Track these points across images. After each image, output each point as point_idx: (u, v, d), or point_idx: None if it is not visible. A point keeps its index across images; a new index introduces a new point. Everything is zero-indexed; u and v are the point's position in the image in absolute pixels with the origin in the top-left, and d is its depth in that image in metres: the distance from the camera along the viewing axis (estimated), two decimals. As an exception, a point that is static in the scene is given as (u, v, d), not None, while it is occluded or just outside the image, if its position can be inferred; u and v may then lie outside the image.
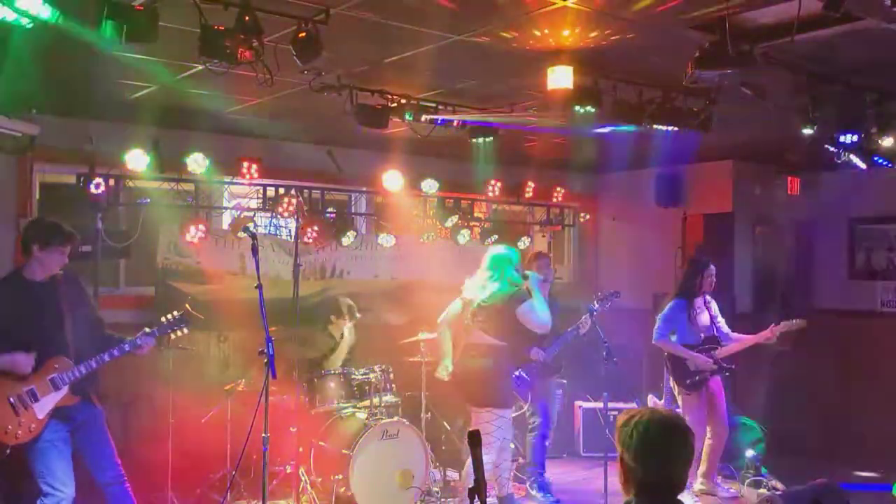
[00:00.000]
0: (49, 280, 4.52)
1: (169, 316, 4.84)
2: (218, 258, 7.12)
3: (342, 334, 6.97)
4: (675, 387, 6.58)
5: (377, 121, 5.75)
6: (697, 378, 6.44)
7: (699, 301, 6.56)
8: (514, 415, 6.65)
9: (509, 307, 5.64)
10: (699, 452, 6.54)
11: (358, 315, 7.04)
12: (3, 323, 4.35)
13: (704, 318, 6.56)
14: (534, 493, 6.59)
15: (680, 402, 6.55)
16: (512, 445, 7.07)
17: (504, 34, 4.56)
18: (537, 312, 5.61)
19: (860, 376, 8.26)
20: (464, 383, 5.78)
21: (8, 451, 4.29)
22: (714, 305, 6.68)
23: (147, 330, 4.74)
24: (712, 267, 6.57)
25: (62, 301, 4.53)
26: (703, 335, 6.52)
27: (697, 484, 6.61)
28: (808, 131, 5.37)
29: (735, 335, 6.61)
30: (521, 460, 6.97)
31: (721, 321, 6.66)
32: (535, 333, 5.98)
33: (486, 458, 5.44)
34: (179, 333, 4.89)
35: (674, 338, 6.50)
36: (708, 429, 6.52)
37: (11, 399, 4.29)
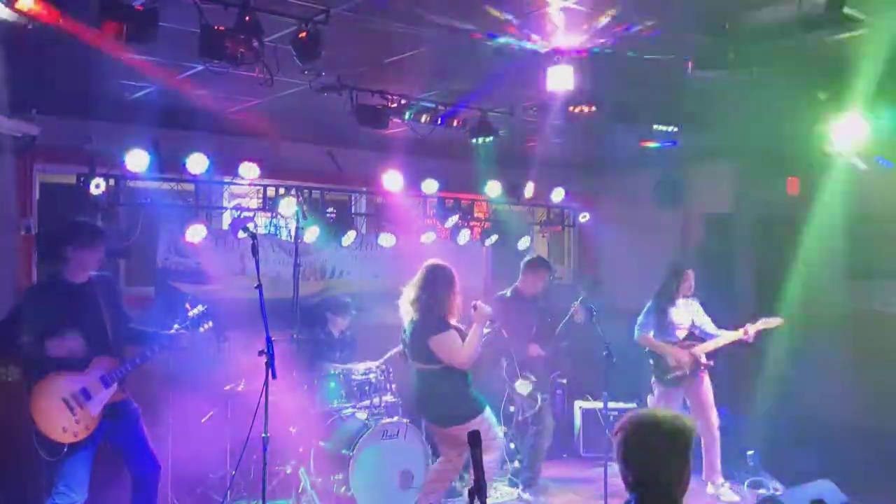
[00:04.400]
0: (85, 284, 4.67)
1: (195, 310, 5.05)
2: (218, 258, 7.11)
3: (341, 332, 6.98)
4: (658, 384, 6.70)
5: (377, 121, 5.75)
6: (678, 374, 6.57)
7: (677, 304, 6.70)
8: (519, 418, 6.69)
9: (422, 335, 5.18)
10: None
11: (354, 312, 7.03)
12: (49, 325, 4.46)
13: (682, 317, 6.71)
14: (525, 496, 6.58)
15: (659, 399, 6.66)
16: (512, 445, 7.11)
17: (504, 34, 4.56)
18: (456, 347, 5.09)
19: (860, 376, 8.25)
20: (420, 408, 5.55)
21: (66, 450, 4.43)
22: (696, 307, 6.79)
23: (177, 326, 4.96)
24: (689, 272, 6.73)
25: (100, 300, 4.69)
26: (680, 334, 6.68)
27: (708, 487, 6.65)
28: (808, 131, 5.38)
29: (723, 333, 6.69)
30: (516, 464, 6.98)
31: (706, 321, 6.78)
32: (530, 332, 5.97)
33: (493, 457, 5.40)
34: (207, 326, 5.11)
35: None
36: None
37: (67, 399, 4.44)
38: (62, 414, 4.43)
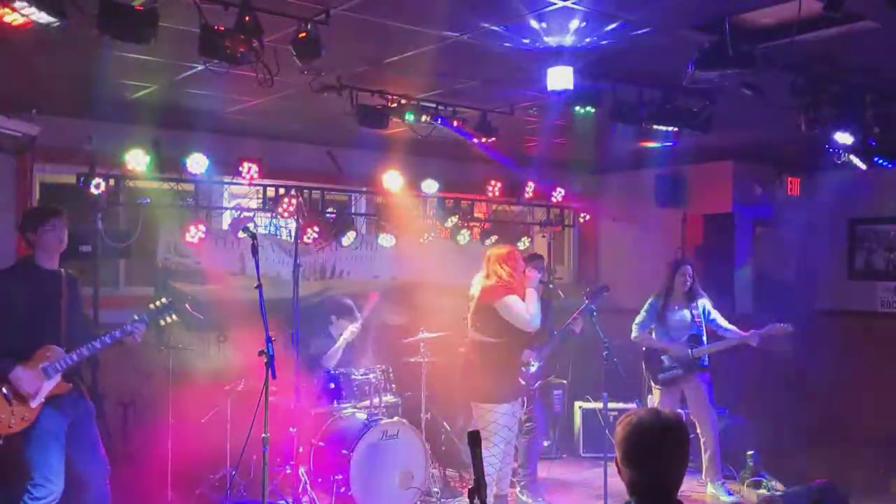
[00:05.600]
0: (55, 272, 4.63)
1: (157, 303, 4.87)
2: (218, 258, 7.11)
3: (342, 334, 6.97)
4: (650, 383, 6.74)
5: (377, 121, 5.75)
6: (671, 374, 6.59)
7: (677, 302, 6.70)
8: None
9: (490, 301, 5.60)
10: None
11: (359, 315, 7.03)
12: (7, 309, 4.41)
13: (682, 317, 6.70)
14: (524, 497, 6.57)
15: (655, 398, 6.67)
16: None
17: (504, 34, 4.56)
18: (520, 308, 5.56)
19: (860, 376, 8.26)
20: (464, 379, 5.83)
21: (0, 441, 4.34)
22: (703, 304, 6.74)
23: (136, 317, 4.75)
24: (687, 267, 6.74)
25: (63, 295, 4.62)
26: (677, 335, 6.66)
27: (708, 487, 6.66)
28: (808, 132, 5.38)
29: (734, 330, 6.67)
30: (514, 464, 6.97)
31: (716, 316, 6.75)
32: (528, 334, 5.96)
33: (492, 452, 5.53)
34: (169, 320, 4.89)
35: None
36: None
37: (4, 390, 4.35)
38: (1, 405, 4.33)
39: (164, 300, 4.89)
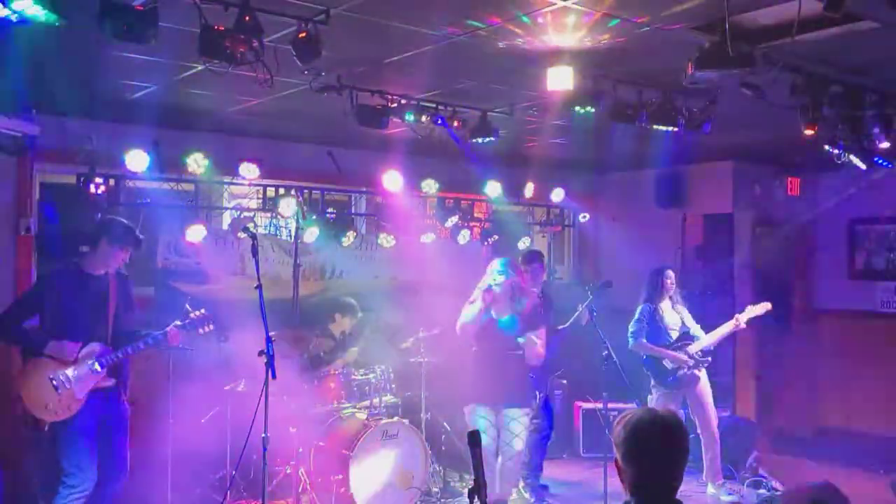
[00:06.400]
0: (104, 275, 4.89)
1: (197, 312, 5.12)
2: (218, 258, 7.11)
3: (342, 333, 6.98)
4: (658, 387, 6.73)
5: (377, 121, 5.75)
6: (679, 375, 6.61)
7: (665, 304, 6.79)
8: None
9: None
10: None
11: (360, 314, 7.04)
12: (55, 307, 4.72)
13: (673, 319, 6.78)
14: (526, 495, 6.58)
15: (658, 401, 6.67)
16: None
17: (504, 34, 4.56)
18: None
19: (860, 376, 8.26)
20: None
21: (46, 428, 4.63)
22: (684, 311, 6.85)
23: (178, 323, 5.04)
24: (669, 271, 6.85)
25: (112, 297, 4.90)
26: (673, 334, 6.72)
27: (708, 487, 6.66)
28: (808, 132, 5.38)
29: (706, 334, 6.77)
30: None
31: (692, 325, 6.84)
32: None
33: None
34: (207, 329, 5.19)
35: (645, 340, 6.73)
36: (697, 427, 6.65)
37: (53, 378, 4.62)
38: (48, 392, 4.62)
39: (203, 311, 5.17)
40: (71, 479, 4.66)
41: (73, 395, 4.67)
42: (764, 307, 6.66)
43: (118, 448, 4.91)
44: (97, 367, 4.74)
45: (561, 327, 6.70)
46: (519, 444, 5.71)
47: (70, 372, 4.68)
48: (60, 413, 4.65)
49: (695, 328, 6.81)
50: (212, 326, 5.19)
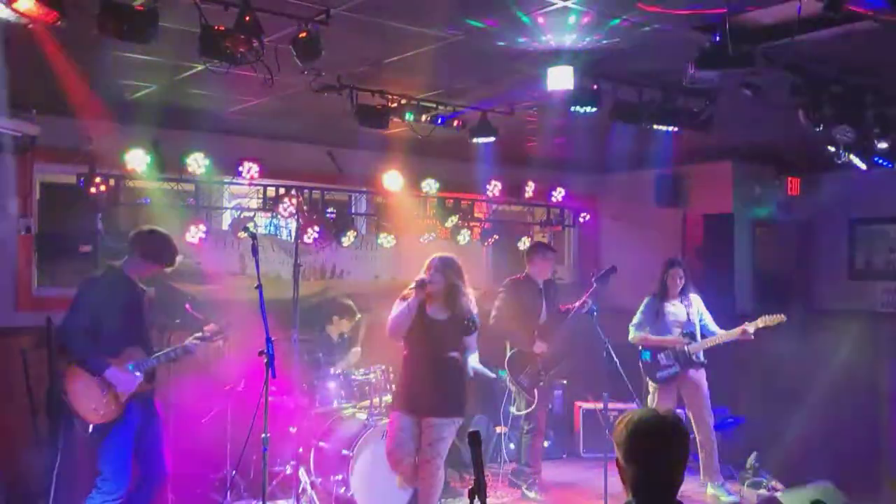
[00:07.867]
0: (139, 285, 5.05)
1: (213, 327, 5.29)
2: (218, 258, 7.11)
3: (340, 335, 6.98)
4: (648, 382, 6.75)
5: (377, 121, 5.75)
6: (669, 372, 6.63)
7: (671, 300, 6.77)
8: (518, 414, 6.71)
9: None
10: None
11: (358, 316, 7.03)
12: (107, 313, 4.80)
13: (677, 316, 6.75)
14: (531, 494, 6.59)
15: (653, 398, 6.68)
16: (512, 445, 7.12)
17: (504, 34, 4.56)
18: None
19: (860, 376, 8.25)
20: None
21: (91, 429, 4.72)
22: (697, 303, 6.81)
23: (199, 334, 5.23)
24: (677, 267, 6.81)
25: (145, 305, 5.10)
26: (675, 331, 6.71)
27: (708, 487, 6.66)
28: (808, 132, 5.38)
29: (721, 331, 6.70)
30: (514, 464, 6.98)
31: (707, 319, 6.80)
32: (537, 318, 5.99)
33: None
34: (220, 338, 5.34)
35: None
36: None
37: (99, 382, 4.72)
38: (95, 394, 4.72)
39: (213, 324, 5.34)
40: (108, 485, 4.71)
41: (117, 398, 4.77)
42: (778, 319, 6.46)
43: (158, 451, 5.03)
44: (137, 372, 4.84)
45: (563, 307, 6.70)
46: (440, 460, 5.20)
47: (116, 375, 4.76)
48: (105, 415, 4.73)
49: (708, 319, 6.77)
50: (227, 339, 5.37)
